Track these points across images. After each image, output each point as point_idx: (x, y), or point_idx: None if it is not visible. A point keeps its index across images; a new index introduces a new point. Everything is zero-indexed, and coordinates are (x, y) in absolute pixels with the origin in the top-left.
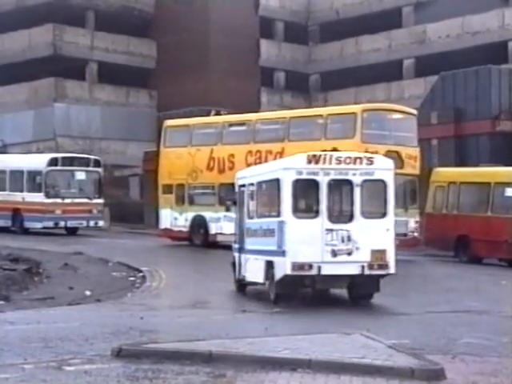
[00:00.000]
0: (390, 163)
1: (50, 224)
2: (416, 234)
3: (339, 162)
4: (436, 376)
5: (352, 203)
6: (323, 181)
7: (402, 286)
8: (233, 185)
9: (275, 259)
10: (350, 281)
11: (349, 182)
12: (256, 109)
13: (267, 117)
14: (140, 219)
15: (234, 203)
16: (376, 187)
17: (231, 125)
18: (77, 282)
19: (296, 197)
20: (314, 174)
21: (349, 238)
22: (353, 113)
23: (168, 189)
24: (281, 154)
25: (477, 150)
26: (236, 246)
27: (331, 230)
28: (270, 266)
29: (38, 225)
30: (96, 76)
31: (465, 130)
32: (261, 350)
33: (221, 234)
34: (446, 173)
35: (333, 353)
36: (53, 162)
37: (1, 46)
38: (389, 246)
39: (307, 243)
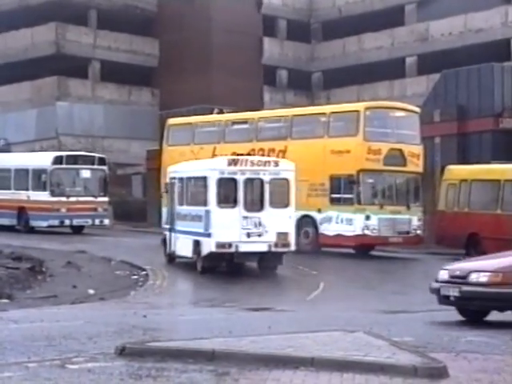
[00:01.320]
0: (291, 165)
1: (56, 222)
2: (419, 232)
3: (253, 164)
4: (439, 374)
5: (262, 196)
6: (240, 179)
7: (405, 284)
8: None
9: (202, 239)
10: (261, 256)
11: (260, 180)
12: (258, 107)
13: (270, 115)
14: (143, 217)
15: (166, 192)
16: (281, 184)
17: (234, 123)
18: (80, 281)
19: (219, 191)
20: (233, 174)
21: (260, 223)
22: (355, 111)
23: None
24: (283, 152)
25: (480, 147)
26: (167, 226)
27: (246, 217)
28: (197, 244)
29: (44, 223)
30: (99, 74)
31: (468, 128)
32: (264, 348)
33: None
34: (457, 170)
35: (336, 351)
36: (58, 160)
37: (3, 45)
38: (290, 229)
39: (228, 227)
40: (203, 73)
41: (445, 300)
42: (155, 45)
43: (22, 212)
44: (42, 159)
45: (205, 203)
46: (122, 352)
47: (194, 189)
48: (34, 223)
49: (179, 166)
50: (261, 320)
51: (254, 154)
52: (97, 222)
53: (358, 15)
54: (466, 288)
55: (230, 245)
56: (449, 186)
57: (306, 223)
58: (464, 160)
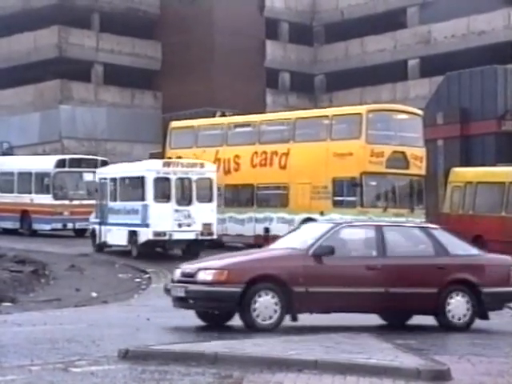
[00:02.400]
0: (214, 167)
1: (59, 226)
2: None
3: (183, 166)
4: (442, 376)
5: (191, 193)
6: (173, 178)
7: None
8: (237, 186)
9: (139, 229)
10: (188, 243)
11: (189, 179)
12: (261, 110)
13: (272, 118)
14: None
15: (96, 191)
16: (205, 182)
17: (236, 126)
18: (83, 284)
19: (156, 188)
20: (167, 174)
21: (189, 215)
22: (358, 113)
23: None
24: (286, 154)
25: (483, 149)
26: (96, 220)
27: (178, 210)
28: (133, 234)
29: (47, 226)
30: (101, 78)
31: (470, 130)
32: (267, 351)
33: (226, 235)
34: (462, 173)
35: (339, 353)
36: (60, 163)
37: (7, 49)
38: (213, 220)
39: (163, 219)
40: (206, 76)
41: (179, 302)
42: (158, 48)
43: (25, 215)
44: (45, 162)
45: (142, 199)
46: (126, 355)
47: (129, 187)
48: (36, 226)
49: (108, 169)
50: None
51: (256, 157)
52: None
53: (360, 18)
54: (192, 287)
55: (164, 233)
56: (454, 188)
57: None
58: (467, 162)
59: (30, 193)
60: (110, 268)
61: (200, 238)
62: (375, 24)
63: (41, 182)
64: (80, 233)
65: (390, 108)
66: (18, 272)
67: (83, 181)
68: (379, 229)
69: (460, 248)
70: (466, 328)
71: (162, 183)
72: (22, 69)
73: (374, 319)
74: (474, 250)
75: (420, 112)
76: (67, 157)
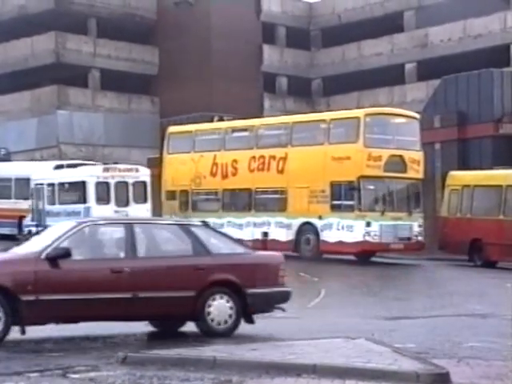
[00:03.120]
0: (148, 171)
1: None
2: (420, 238)
3: (120, 171)
4: (441, 380)
5: (128, 195)
6: (112, 182)
7: (406, 290)
8: (235, 190)
9: None
10: None
11: (126, 183)
12: (259, 114)
13: (270, 122)
14: None
15: (32, 195)
16: (141, 185)
17: (234, 130)
18: None
19: (97, 192)
20: (106, 178)
21: (127, 216)
22: (356, 117)
23: (171, 195)
24: (284, 159)
25: (480, 153)
26: (33, 223)
27: (117, 211)
28: None
29: None
30: (98, 83)
31: (468, 134)
32: (265, 356)
33: None
34: (460, 176)
35: (337, 357)
36: (57, 169)
37: (3, 55)
38: None
39: None
40: (203, 80)
41: None
42: (155, 53)
43: (22, 221)
44: (42, 168)
45: (84, 201)
46: (124, 361)
47: (69, 191)
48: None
49: (44, 174)
50: (262, 327)
51: (254, 162)
52: None
53: (357, 22)
54: None
55: None
56: (451, 191)
57: (306, 230)
58: (464, 166)
59: (27, 199)
60: None
61: None
62: (372, 28)
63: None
64: None
65: (387, 112)
66: None
67: None
68: (129, 227)
69: (224, 246)
70: (229, 334)
71: (102, 187)
72: (19, 74)
73: (374, 325)
74: (240, 249)
75: (417, 115)
76: (64, 162)
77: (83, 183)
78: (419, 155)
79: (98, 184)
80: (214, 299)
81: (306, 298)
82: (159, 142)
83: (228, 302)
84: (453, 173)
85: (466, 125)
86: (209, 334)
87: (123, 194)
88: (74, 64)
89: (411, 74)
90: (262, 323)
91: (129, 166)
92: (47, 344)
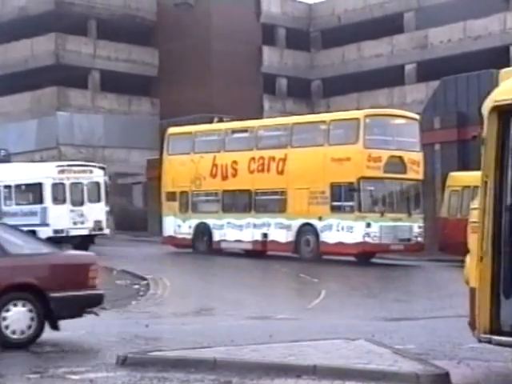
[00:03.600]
0: (102, 172)
1: (50, 233)
2: (420, 239)
3: (75, 172)
4: (441, 381)
5: (82, 195)
6: (67, 183)
7: (407, 291)
8: (235, 191)
9: (39, 229)
10: (82, 238)
11: (81, 183)
12: (258, 115)
13: (270, 123)
14: (144, 227)
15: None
16: (95, 186)
17: (234, 132)
18: None
19: (53, 192)
20: (62, 179)
21: (82, 215)
22: (355, 118)
23: (171, 196)
24: (284, 160)
25: (480, 154)
26: None
27: (73, 211)
28: (33, 233)
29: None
30: (98, 84)
31: (468, 135)
32: (265, 357)
33: (224, 240)
34: (460, 177)
35: (337, 359)
36: (60, 169)
37: (3, 56)
38: (103, 218)
39: (60, 218)
40: (203, 82)
41: None
42: (155, 54)
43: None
44: (44, 169)
45: (40, 202)
46: (124, 362)
47: (26, 192)
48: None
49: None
50: (262, 328)
51: (254, 163)
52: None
53: (357, 23)
54: None
55: (62, 231)
56: (451, 192)
57: (306, 231)
58: (464, 167)
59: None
60: (107, 274)
61: (92, 233)
62: (372, 29)
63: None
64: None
65: (387, 113)
66: None
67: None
68: None
69: (26, 246)
70: (28, 344)
71: (57, 188)
72: (19, 76)
73: (374, 326)
74: (46, 249)
75: (417, 116)
76: (64, 163)
77: (40, 185)
78: (419, 156)
79: (54, 185)
80: (10, 307)
81: (305, 299)
82: (159, 144)
83: (27, 308)
84: (453, 174)
85: (465, 126)
86: (4, 345)
87: (78, 194)
88: (74, 65)
89: (411, 75)
90: (262, 324)
91: (83, 168)
92: (46, 345)
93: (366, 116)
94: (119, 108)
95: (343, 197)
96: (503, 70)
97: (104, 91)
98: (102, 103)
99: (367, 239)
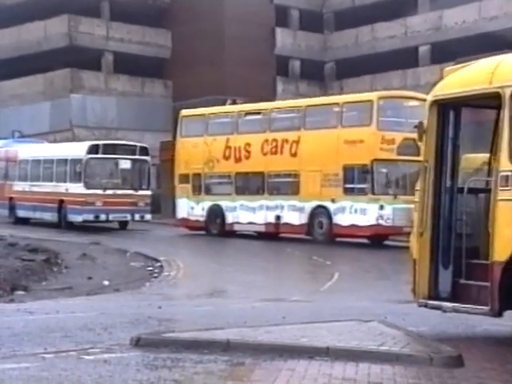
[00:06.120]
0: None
1: (90, 217)
2: None
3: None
4: (454, 363)
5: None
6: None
7: None
8: (248, 173)
9: None
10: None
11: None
12: (271, 98)
13: (283, 105)
14: (157, 209)
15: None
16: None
17: (247, 114)
18: (95, 272)
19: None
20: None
21: None
22: (369, 100)
23: (185, 178)
24: (297, 142)
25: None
26: None
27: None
28: None
29: (78, 218)
30: (111, 66)
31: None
32: (278, 338)
33: (237, 223)
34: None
35: (351, 340)
36: (93, 149)
37: (17, 38)
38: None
39: None
40: (216, 64)
41: None
42: (168, 36)
43: (61, 206)
44: (78, 149)
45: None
46: (138, 343)
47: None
48: (70, 218)
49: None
50: (275, 310)
51: (267, 145)
52: (137, 217)
53: (370, 4)
54: None
55: None
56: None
57: (319, 213)
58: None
59: (66, 181)
60: (121, 256)
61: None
62: (385, 10)
63: (74, 169)
64: (122, 225)
65: (400, 95)
66: (30, 261)
67: (119, 168)
68: None
69: None
70: None
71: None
72: (32, 58)
73: (387, 308)
74: None
75: None
76: (101, 142)
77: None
78: None
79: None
80: None
81: (318, 282)
82: (172, 126)
83: None
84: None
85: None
86: None
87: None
88: (87, 47)
89: (425, 57)
90: (275, 306)
91: (126, 148)
92: (61, 324)
93: (380, 98)
94: (132, 90)
95: (356, 179)
96: (447, 68)
97: (117, 73)
98: (115, 85)
99: (380, 222)
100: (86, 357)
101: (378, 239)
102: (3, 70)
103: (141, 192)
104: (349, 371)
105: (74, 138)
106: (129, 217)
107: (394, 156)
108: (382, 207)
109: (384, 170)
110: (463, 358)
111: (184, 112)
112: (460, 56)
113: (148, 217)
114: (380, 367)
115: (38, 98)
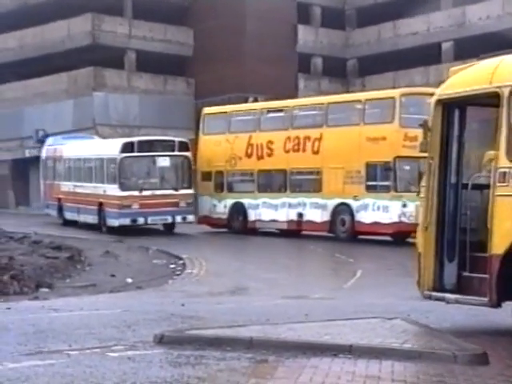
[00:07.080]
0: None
1: (127, 221)
2: None
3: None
4: (479, 361)
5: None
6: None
7: None
8: (270, 171)
9: None
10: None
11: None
12: (293, 95)
13: (305, 103)
14: None
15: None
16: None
17: (269, 111)
18: (118, 270)
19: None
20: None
21: None
22: (391, 97)
23: (207, 176)
24: (319, 139)
25: None
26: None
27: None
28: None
29: (115, 222)
30: (134, 64)
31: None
32: (302, 336)
33: (260, 220)
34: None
35: (374, 338)
36: (127, 147)
37: (41, 37)
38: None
39: None
40: (238, 61)
41: None
42: (190, 34)
43: (100, 208)
44: (113, 147)
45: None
46: (161, 340)
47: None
48: (109, 222)
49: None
50: (297, 308)
51: (289, 142)
52: (178, 218)
53: (392, 1)
54: None
55: None
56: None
57: (342, 211)
58: None
59: (103, 182)
60: (144, 254)
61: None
62: (408, 7)
63: (110, 169)
64: (169, 227)
65: (423, 91)
66: (54, 258)
67: (156, 167)
68: None
69: None
70: None
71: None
72: (55, 57)
73: (410, 305)
74: None
75: None
76: (135, 139)
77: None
78: None
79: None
80: None
81: (341, 279)
82: (194, 123)
83: None
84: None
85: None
86: None
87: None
88: (110, 45)
89: (448, 53)
90: (297, 304)
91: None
92: (85, 321)
93: (402, 95)
94: (154, 88)
95: (379, 176)
96: (452, 68)
97: (139, 71)
98: (138, 83)
99: (403, 219)
100: (111, 354)
101: (400, 236)
102: (27, 69)
103: (182, 191)
104: (372, 369)
105: (98, 137)
106: (170, 219)
107: (416, 153)
108: (404, 205)
109: (407, 167)
110: (488, 355)
111: (206, 110)
112: (483, 52)
113: (191, 218)
114: (403, 365)
115: (61, 97)
